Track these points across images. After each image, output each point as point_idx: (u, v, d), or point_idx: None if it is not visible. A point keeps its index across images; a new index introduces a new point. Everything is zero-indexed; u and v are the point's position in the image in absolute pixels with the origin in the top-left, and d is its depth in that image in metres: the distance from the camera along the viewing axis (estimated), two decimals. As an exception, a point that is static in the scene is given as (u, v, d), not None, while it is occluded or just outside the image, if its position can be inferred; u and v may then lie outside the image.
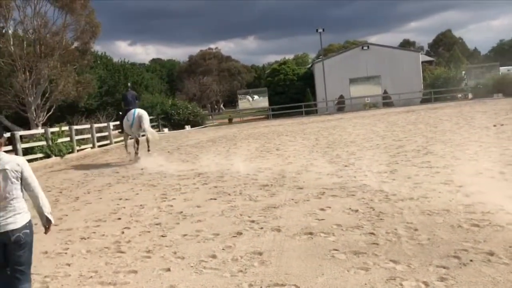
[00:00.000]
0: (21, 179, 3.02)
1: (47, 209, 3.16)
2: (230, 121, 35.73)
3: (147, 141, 13.24)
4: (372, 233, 4.46)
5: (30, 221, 3.07)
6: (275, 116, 36.02)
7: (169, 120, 32.22)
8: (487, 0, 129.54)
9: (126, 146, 14.15)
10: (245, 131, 23.17)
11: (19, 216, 2.98)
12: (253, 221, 5.34)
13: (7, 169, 2.93)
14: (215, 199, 6.86)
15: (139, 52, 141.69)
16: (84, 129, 21.54)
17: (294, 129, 21.04)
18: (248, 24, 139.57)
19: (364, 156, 9.71)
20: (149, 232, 5.35)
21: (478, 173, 6.66)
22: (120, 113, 15.44)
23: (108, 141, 23.24)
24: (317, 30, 35.90)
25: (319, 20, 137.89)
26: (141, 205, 6.94)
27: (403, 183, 6.60)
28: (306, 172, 8.44)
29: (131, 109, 13.18)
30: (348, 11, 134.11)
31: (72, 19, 23.85)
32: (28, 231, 3.02)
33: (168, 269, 4.04)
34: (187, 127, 31.63)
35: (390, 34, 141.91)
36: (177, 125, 31.95)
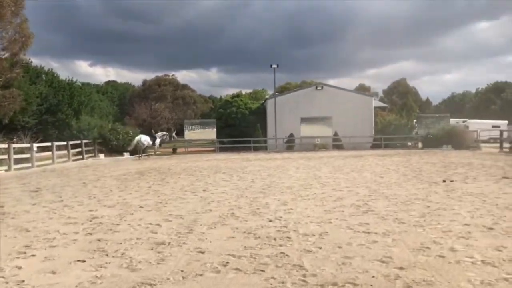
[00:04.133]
0: None
1: None
2: (174, 151, 33.83)
3: None
4: None
5: None
6: (223, 150, 34.48)
7: (107, 145, 30.00)
8: (440, 55, 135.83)
9: None
10: (184, 164, 21.44)
11: None
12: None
13: None
14: (84, 261, 5.11)
15: (99, 73, 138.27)
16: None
17: (235, 165, 19.51)
18: (212, 56, 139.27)
19: (295, 208, 8.24)
20: None
21: (424, 248, 5.27)
22: None
23: (29, 164, 20.93)
24: (271, 66, 35.12)
25: (283, 59, 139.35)
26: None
27: (330, 255, 5.11)
28: (220, 226, 6.84)
29: None
30: (311, 53, 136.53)
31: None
32: None
33: None
34: (126, 154, 29.48)
35: (349, 78, 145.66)
36: (115, 151, 29.78)
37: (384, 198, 9.20)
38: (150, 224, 7.13)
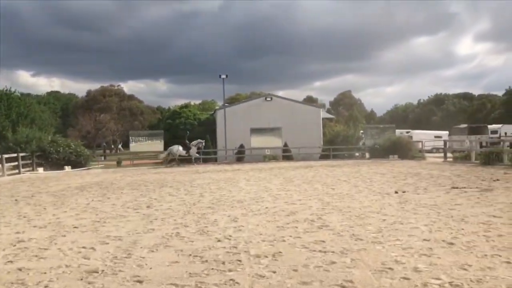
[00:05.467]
0: None
1: None
2: (119, 164, 32.41)
3: None
4: None
5: None
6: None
7: (46, 158, 28.23)
8: (383, 69, 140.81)
9: None
10: (129, 178, 20.37)
11: None
12: None
13: None
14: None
15: (42, 84, 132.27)
16: None
17: (184, 178, 18.73)
18: (161, 67, 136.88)
19: (246, 225, 7.68)
20: None
21: (386, 269, 4.85)
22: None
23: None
24: (220, 76, 34.61)
25: (232, 70, 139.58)
26: None
27: (286, 280, 4.58)
28: (163, 249, 6.16)
29: None
30: (259, 65, 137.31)
31: None
32: None
33: None
34: (67, 168, 27.86)
35: (297, 90, 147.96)
36: (55, 165, 28.04)
37: (338, 212, 8.83)
38: (83, 247, 6.34)
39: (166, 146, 35.26)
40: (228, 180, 17.05)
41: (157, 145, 35.62)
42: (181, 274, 4.93)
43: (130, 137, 36.17)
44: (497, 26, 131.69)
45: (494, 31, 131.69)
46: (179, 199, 11.62)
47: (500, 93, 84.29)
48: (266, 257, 5.54)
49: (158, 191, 13.97)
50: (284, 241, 6.40)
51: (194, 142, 31.31)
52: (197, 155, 31.62)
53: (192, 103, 77.81)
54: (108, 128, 61.58)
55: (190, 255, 5.77)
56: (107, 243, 6.59)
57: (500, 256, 5.18)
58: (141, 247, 6.28)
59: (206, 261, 5.45)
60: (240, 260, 5.41)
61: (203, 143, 32.14)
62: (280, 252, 5.75)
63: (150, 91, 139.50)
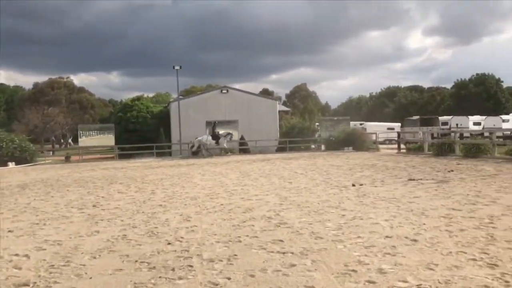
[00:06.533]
0: None
1: None
2: (67, 159, 30.96)
3: None
4: None
5: None
6: (123, 156, 32.23)
7: (-13, 154, 26.55)
8: (337, 62, 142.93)
9: None
10: (77, 174, 19.36)
11: None
12: None
13: None
14: None
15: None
16: None
17: (136, 174, 17.95)
18: (113, 59, 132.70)
19: (200, 224, 7.19)
20: None
21: (349, 271, 4.51)
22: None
23: None
24: (174, 67, 33.60)
25: (188, 63, 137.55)
26: None
27: (242, 288, 4.16)
28: (107, 254, 5.59)
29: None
30: (216, 58, 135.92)
31: None
32: None
33: None
34: (11, 164, 26.30)
35: (254, 83, 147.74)
36: (-3, 161, 26.42)
37: (296, 207, 8.49)
38: (15, 255, 5.66)
39: (117, 140, 34.02)
40: (182, 176, 16.44)
41: (108, 139, 34.28)
42: (124, 284, 4.40)
43: (79, 131, 34.60)
44: (445, 22, 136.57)
45: (442, 26, 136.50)
46: (128, 197, 10.95)
47: (448, 85, 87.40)
48: (221, 261, 5.08)
49: (106, 188, 13.22)
50: (240, 241, 5.97)
51: (223, 133, 30.53)
52: (226, 146, 30.99)
53: (145, 95, 75.94)
54: (57, 122, 58.90)
55: (136, 261, 5.23)
56: (44, 249, 5.94)
57: (465, 253, 4.95)
58: (82, 253, 5.68)
59: (154, 267, 4.93)
60: (191, 266, 4.93)
61: (232, 135, 31.44)
62: (235, 255, 5.30)
63: (103, 84, 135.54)
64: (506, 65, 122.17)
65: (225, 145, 30.56)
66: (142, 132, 35.92)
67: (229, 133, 31.06)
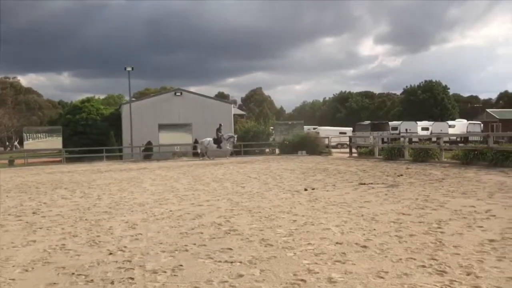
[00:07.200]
0: None
1: None
2: (11, 163, 29.45)
3: None
4: None
5: None
6: (71, 160, 31.02)
7: None
8: (291, 67, 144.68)
9: None
10: (20, 178, 18.38)
11: None
12: None
13: None
14: None
15: None
16: None
17: (82, 178, 17.22)
18: (64, 60, 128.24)
19: (146, 233, 6.85)
20: None
21: (298, 281, 4.34)
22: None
23: None
24: (125, 69, 32.72)
25: (142, 65, 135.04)
26: None
27: (185, 302, 3.90)
28: (41, 266, 5.17)
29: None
30: (171, 60, 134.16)
31: None
32: None
33: None
34: None
35: (210, 86, 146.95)
36: None
37: (247, 213, 8.30)
38: None
39: (65, 143, 32.73)
40: (131, 180, 15.90)
41: (55, 142, 32.89)
42: (56, 301, 4.04)
43: (24, 134, 32.98)
44: (395, 30, 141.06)
45: (392, 35, 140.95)
46: (72, 203, 10.41)
47: (398, 92, 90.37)
48: (164, 272, 4.80)
49: (50, 193, 12.56)
50: (187, 250, 5.70)
51: (225, 136, 29.54)
52: (230, 149, 30.19)
53: (96, 97, 73.73)
54: (1, 124, 56.23)
55: (73, 273, 4.86)
56: (-30, 263, 5.44)
57: (414, 259, 4.91)
58: (13, 266, 5.24)
59: (92, 280, 4.59)
60: (132, 278, 4.62)
61: (235, 138, 30.63)
62: (181, 265, 5.03)
63: (53, 84, 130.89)
64: (452, 72, 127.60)
65: (228, 147, 29.99)
66: (91, 135, 34.72)
67: (232, 136, 30.54)
